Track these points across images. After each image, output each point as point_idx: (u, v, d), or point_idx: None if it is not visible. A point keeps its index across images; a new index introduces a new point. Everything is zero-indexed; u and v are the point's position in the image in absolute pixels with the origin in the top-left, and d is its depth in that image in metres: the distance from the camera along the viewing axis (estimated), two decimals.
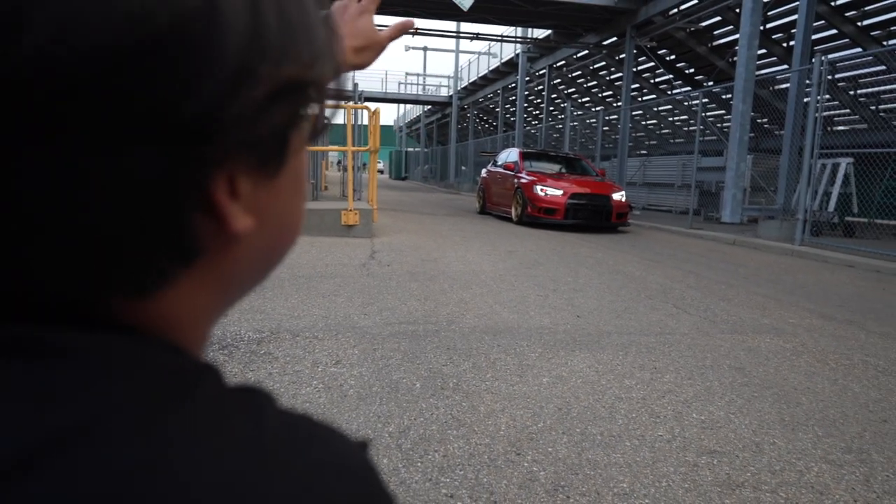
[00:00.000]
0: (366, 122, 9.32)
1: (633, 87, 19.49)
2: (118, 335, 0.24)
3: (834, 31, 13.51)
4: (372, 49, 0.71)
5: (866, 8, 12.88)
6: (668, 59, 17.94)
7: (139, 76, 0.20)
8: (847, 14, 13.05)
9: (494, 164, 12.68)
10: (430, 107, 40.13)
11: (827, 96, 12.88)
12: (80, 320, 0.24)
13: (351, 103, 9.77)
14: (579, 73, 22.60)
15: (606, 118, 18.22)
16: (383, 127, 66.50)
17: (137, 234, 0.23)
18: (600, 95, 23.93)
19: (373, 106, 8.15)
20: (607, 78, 21.84)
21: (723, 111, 18.32)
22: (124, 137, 0.21)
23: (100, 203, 0.22)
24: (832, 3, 12.72)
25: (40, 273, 0.22)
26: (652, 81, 20.40)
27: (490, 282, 4.85)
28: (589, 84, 23.78)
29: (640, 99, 21.02)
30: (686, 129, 21.21)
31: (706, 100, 15.38)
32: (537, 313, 3.87)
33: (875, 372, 3.00)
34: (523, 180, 10.49)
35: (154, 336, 0.25)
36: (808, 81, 8.81)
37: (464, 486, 1.74)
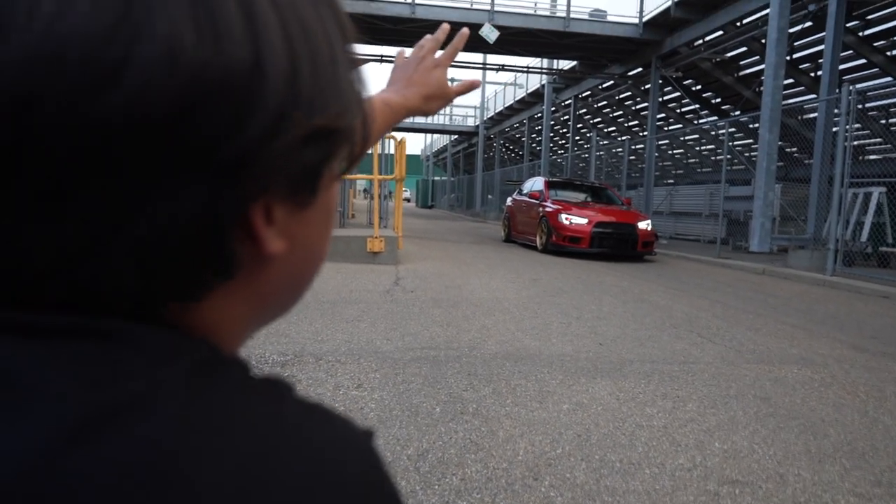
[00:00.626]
0: (392, 151, 9.50)
1: (659, 116, 19.49)
2: (167, 330, 0.28)
3: (863, 61, 13.38)
4: (441, 99, 0.78)
5: (895, 38, 12.76)
6: (693, 88, 17.94)
7: (195, 120, 0.25)
8: (875, 44, 12.93)
9: (520, 192, 12.75)
10: (456, 136, 40.61)
11: (857, 125, 12.71)
12: (136, 318, 0.28)
13: None
14: (605, 103, 22.71)
15: (632, 147, 18.22)
16: (410, 156, 67.54)
17: (187, 251, 0.27)
18: (626, 125, 23.95)
19: (399, 136, 8.32)
20: (633, 108, 21.88)
21: (750, 140, 18.16)
22: (178, 171, 0.25)
23: (158, 224, 0.26)
24: (860, 34, 12.63)
25: (102, 277, 0.26)
26: (678, 111, 20.37)
27: (513, 309, 4.86)
28: (614, 114, 23.85)
29: (665, 128, 20.98)
30: (713, 158, 21.06)
31: (733, 129, 15.30)
32: (559, 340, 3.86)
33: None
34: (548, 209, 10.52)
35: (195, 335, 0.29)
36: (836, 111, 8.73)
37: None
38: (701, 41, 14.46)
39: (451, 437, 2.24)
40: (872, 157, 16.51)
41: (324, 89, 0.30)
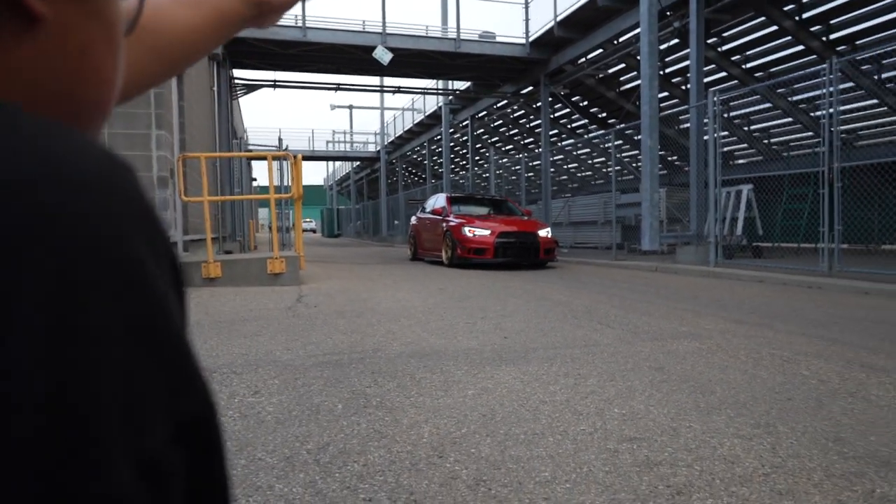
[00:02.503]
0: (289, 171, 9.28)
1: (552, 132, 20.44)
2: None
3: (724, 74, 14.76)
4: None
5: (748, 52, 14.20)
6: (581, 104, 19.00)
7: None
8: (733, 58, 14.33)
9: (423, 210, 12.85)
10: (358, 163, 40.49)
11: (725, 133, 13.95)
12: None
13: (272, 151, 9.75)
14: (500, 122, 23.53)
15: (529, 164, 18.94)
16: (314, 186, 66.31)
17: None
18: (522, 142, 24.91)
19: (295, 154, 8.14)
20: (527, 125, 22.82)
21: (636, 151, 19.45)
22: None
23: None
24: (719, 49, 13.94)
25: None
26: (569, 126, 21.47)
27: (419, 315, 4.83)
28: (511, 132, 24.76)
29: (558, 143, 22.03)
30: (605, 169, 22.31)
31: (619, 141, 16.32)
32: (465, 338, 3.87)
33: (781, 361, 3.16)
34: (452, 223, 10.66)
35: None
36: (705, 120, 9.55)
37: (383, 490, 1.68)
38: (584, 59, 15.38)
39: (353, 430, 2.16)
40: (740, 161, 18.18)
41: None
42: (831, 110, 7.28)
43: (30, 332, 0.21)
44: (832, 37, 12.70)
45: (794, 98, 14.22)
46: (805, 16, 12.22)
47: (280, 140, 19.47)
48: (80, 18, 0.30)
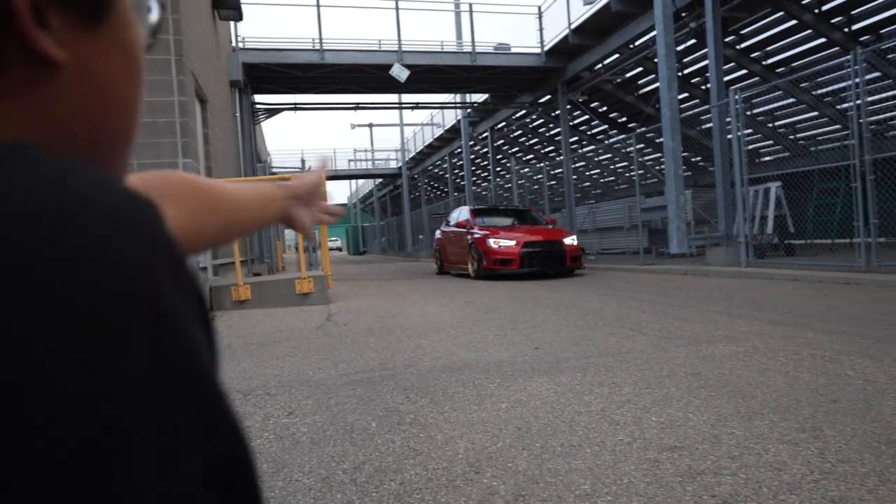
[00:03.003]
0: None
1: (572, 139, 20.35)
2: None
3: (744, 71, 14.56)
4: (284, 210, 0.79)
5: (767, 49, 13.99)
6: (600, 110, 18.90)
7: None
8: (752, 55, 14.13)
9: (447, 224, 12.87)
10: (381, 180, 40.82)
11: (749, 130, 13.74)
12: None
13: (297, 171, 9.89)
14: (520, 132, 23.52)
15: (551, 172, 18.87)
16: (337, 205, 66.95)
17: None
18: (543, 151, 24.85)
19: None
20: (547, 134, 22.77)
21: (658, 154, 19.25)
22: None
23: None
24: (737, 47, 13.77)
25: None
26: (589, 133, 21.37)
27: (448, 328, 4.82)
28: (531, 142, 24.72)
29: (579, 150, 21.92)
30: (627, 174, 22.12)
31: (641, 145, 16.17)
32: (495, 350, 3.85)
33: (822, 362, 3.07)
34: (476, 235, 10.65)
35: None
36: (728, 119, 9.41)
37: None
38: (600, 65, 15.32)
39: (388, 448, 2.15)
40: (766, 158, 17.84)
41: None
42: (859, 101, 7.11)
43: (58, 378, 0.20)
44: (854, 27, 12.44)
45: (819, 91, 13.93)
46: (825, 8, 12.01)
47: (303, 161, 19.77)
48: (98, 55, 0.30)
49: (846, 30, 12.38)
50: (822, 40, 12.80)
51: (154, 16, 0.38)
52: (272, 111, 18.19)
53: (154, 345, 0.23)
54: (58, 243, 0.22)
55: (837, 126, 14.38)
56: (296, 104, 18.09)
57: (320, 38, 14.50)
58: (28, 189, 0.23)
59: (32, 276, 0.21)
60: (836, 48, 12.70)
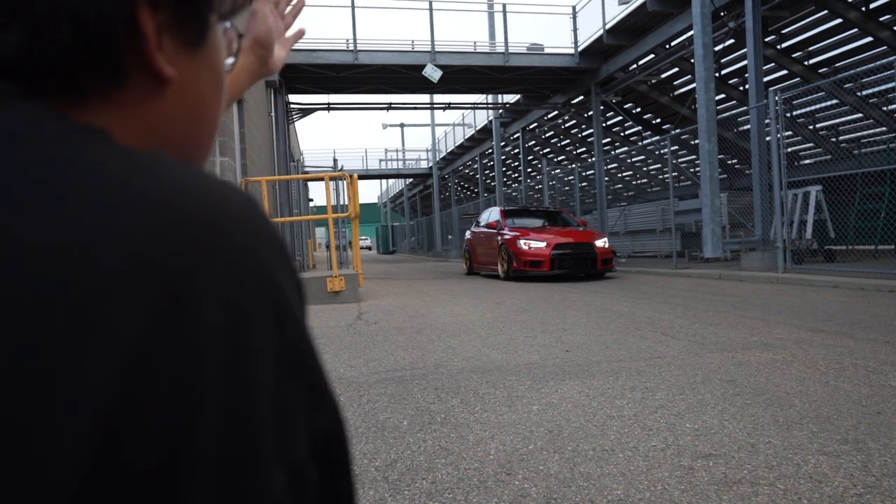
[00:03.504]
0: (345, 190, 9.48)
1: (605, 141, 20.12)
2: (39, 101, 0.28)
3: (785, 72, 14.19)
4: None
5: (810, 48, 13.61)
6: (634, 111, 18.65)
7: None
8: (794, 55, 13.76)
9: (477, 224, 12.85)
10: (411, 180, 41.00)
11: (788, 133, 13.40)
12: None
13: (329, 172, 10.01)
14: (552, 132, 23.36)
15: (583, 174, 18.70)
16: (368, 205, 67.56)
17: (74, 34, 0.27)
18: (574, 152, 24.64)
19: (350, 174, 8.33)
20: (579, 135, 22.56)
21: (693, 156, 18.90)
22: None
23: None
24: (778, 47, 13.43)
25: None
26: (622, 134, 21.10)
27: (478, 329, 4.82)
28: (562, 143, 24.53)
29: (612, 152, 21.67)
30: (661, 176, 21.78)
31: (675, 146, 15.90)
32: (526, 352, 3.84)
33: (865, 372, 2.98)
34: (507, 236, 10.61)
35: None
36: (766, 121, 9.19)
37: None
38: (635, 65, 15.11)
39: (419, 446, 2.17)
40: (806, 161, 17.36)
41: None
42: None
43: (210, 360, 0.23)
44: None
45: (864, 92, 13.49)
46: (873, 6, 11.62)
47: (335, 161, 20.00)
48: (196, 73, 0.34)
49: (895, 28, 11.97)
50: (869, 39, 12.39)
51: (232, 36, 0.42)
52: (306, 111, 18.44)
53: (278, 329, 0.26)
54: (214, 240, 0.25)
55: (883, 129, 13.90)
56: (329, 104, 18.30)
57: (354, 39, 14.64)
58: (176, 192, 0.26)
59: (191, 267, 0.24)
60: (884, 47, 12.28)
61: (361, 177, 31.08)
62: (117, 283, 0.22)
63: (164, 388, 0.22)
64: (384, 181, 51.22)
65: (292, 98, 17.82)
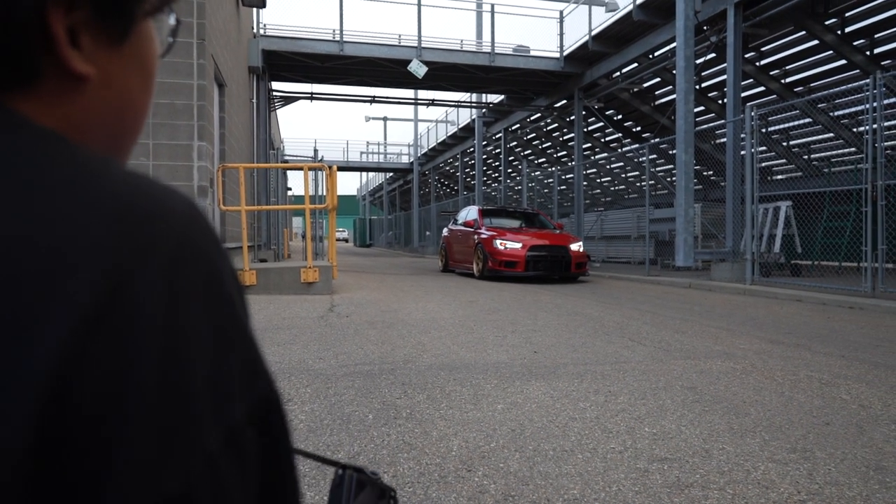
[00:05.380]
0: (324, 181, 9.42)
1: (585, 146, 20.33)
2: None
3: (762, 88, 14.50)
4: None
5: (787, 67, 13.94)
6: (615, 118, 18.86)
7: None
8: (771, 73, 14.07)
9: (455, 222, 12.89)
10: (391, 174, 40.88)
11: (763, 148, 13.70)
12: None
13: (308, 163, 9.94)
14: (534, 135, 23.51)
15: (562, 177, 18.86)
16: (347, 196, 67.16)
17: None
18: (555, 155, 24.84)
19: (330, 165, 8.28)
20: (560, 139, 22.74)
21: (670, 165, 19.20)
22: None
23: None
24: (757, 64, 13.72)
25: None
26: (602, 140, 21.32)
27: (449, 327, 4.86)
28: (544, 145, 24.70)
29: (592, 157, 21.89)
30: (638, 184, 22.07)
31: (654, 155, 16.15)
32: (495, 351, 3.88)
33: (819, 384, 3.09)
34: (483, 235, 10.67)
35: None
36: (742, 135, 9.39)
37: (412, 502, 1.70)
38: (618, 73, 15.29)
39: (383, 440, 2.19)
40: (779, 176, 17.77)
41: None
42: (875, 126, 7.09)
43: (149, 328, 0.26)
44: (877, 51, 12.37)
45: (836, 113, 13.86)
46: (848, 30, 11.94)
47: (315, 151, 19.82)
48: (121, 69, 0.35)
49: (868, 53, 12.31)
50: (843, 62, 12.73)
51: (171, 21, 0.42)
52: (288, 99, 18.26)
53: (214, 308, 0.30)
54: (159, 237, 0.28)
55: (852, 149, 14.30)
56: (312, 93, 18.15)
57: (341, 30, 14.54)
58: (125, 192, 0.29)
59: (134, 257, 0.27)
60: (857, 71, 12.63)
61: (341, 168, 30.86)
62: (73, 264, 0.25)
63: (106, 350, 0.25)
64: (364, 174, 50.98)
65: (275, 85, 17.63)
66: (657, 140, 13.73)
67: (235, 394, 0.30)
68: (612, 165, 22.44)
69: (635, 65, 14.66)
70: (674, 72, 12.91)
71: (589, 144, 21.23)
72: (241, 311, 0.32)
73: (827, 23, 11.73)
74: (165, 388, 0.26)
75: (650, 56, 14.03)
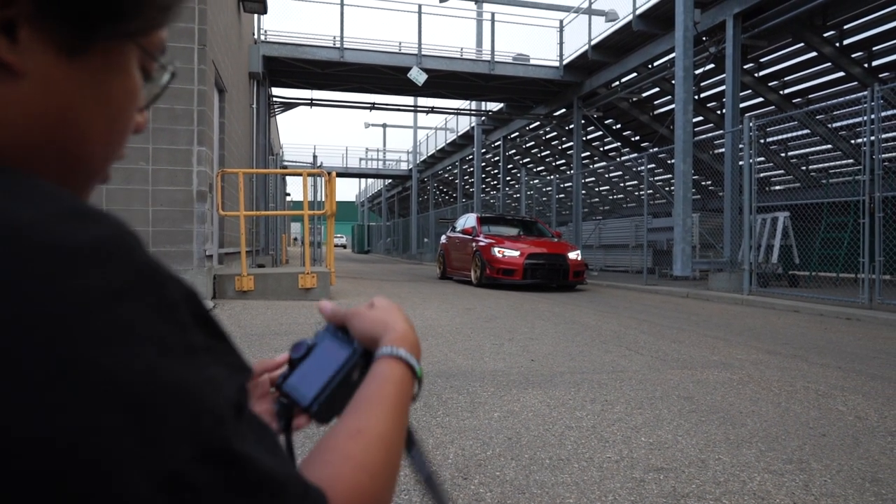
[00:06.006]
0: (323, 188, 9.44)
1: (584, 154, 20.38)
2: None
3: (761, 99, 14.57)
4: None
5: (785, 79, 14.01)
6: (614, 127, 18.93)
7: None
8: (770, 84, 14.14)
9: (453, 229, 12.90)
10: (390, 180, 40.91)
11: (761, 158, 13.75)
12: None
13: (307, 169, 9.96)
14: (533, 143, 23.57)
15: (561, 186, 18.90)
16: (346, 203, 67.16)
17: None
18: (554, 164, 24.89)
19: (329, 172, 8.29)
20: (559, 147, 22.80)
21: (669, 175, 19.25)
22: None
23: None
24: (756, 75, 13.78)
25: None
26: (601, 149, 21.38)
27: (446, 334, 4.85)
28: (542, 154, 24.76)
29: (591, 166, 21.95)
30: (637, 193, 22.12)
31: (652, 165, 16.20)
32: (492, 359, 3.88)
33: (815, 395, 3.09)
34: (481, 243, 10.68)
35: None
36: (740, 146, 9.43)
37: None
38: (617, 82, 15.35)
39: None
40: (777, 187, 17.82)
41: None
42: (873, 138, 7.13)
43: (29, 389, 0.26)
44: (874, 63, 12.44)
45: (835, 125, 13.93)
46: (846, 42, 12.02)
47: (315, 157, 19.87)
48: (69, 81, 0.34)
49: (866, 65, 12.38)
50: (841, 74, 12.80)
51: (165, 77, 0.41)
52: (288, 105, 18.30)
53: (161, 313, 0.31)
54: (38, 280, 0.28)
55: (850, 160, 14.36)
56: (312, 100, 18.19)
57: (342, 37, 14.59)
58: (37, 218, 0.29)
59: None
60: (855, 83, 12.70)
61: (340, 175, 30.87)
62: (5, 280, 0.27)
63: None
64: (363, 180, 50.99)
65: (275, 91, 17.67)
66: (656, 149, 13.77)
67: (226, 384, 0.33)
68: (611, 174, 22.49)
69: (634, 74, 14.73)
70: (673, 82, 12.96)
71: (588, 153, 21.29)
72: (154, 361, 0.29)
73: (825, 35, 11.80)
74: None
75: (649, 66, 14.09)
